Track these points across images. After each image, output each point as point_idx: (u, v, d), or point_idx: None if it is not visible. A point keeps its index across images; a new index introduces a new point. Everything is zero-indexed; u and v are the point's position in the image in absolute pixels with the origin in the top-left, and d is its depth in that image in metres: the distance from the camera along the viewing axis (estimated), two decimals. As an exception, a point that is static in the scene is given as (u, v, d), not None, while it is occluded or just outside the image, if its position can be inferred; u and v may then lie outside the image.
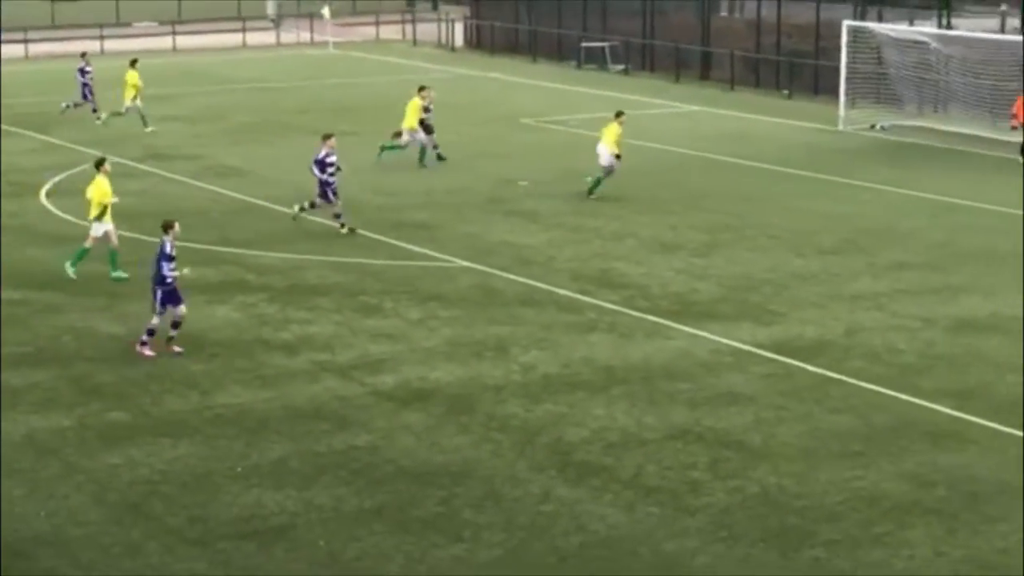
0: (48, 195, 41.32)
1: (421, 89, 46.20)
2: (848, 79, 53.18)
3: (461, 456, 22.51)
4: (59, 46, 77.53)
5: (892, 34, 54.25)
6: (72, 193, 41.59)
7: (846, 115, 52.71)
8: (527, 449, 22.78)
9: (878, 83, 53.92)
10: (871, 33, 54.34)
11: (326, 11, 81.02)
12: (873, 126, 52.27)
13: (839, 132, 51.86)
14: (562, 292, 31.47)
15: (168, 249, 27.01)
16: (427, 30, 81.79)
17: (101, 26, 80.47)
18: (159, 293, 27.00)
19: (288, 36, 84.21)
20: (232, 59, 75.26)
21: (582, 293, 31.39)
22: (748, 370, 26.41)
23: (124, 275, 31.87)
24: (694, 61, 66.12)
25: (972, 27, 58.96)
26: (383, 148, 45.25)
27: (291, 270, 33.12)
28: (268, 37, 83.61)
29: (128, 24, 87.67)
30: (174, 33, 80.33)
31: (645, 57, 68.54)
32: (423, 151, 45.28)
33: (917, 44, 53.69)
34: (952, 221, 38.11)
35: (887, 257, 34.33)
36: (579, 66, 69.56)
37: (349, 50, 78.53)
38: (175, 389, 25.48)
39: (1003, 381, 25.72)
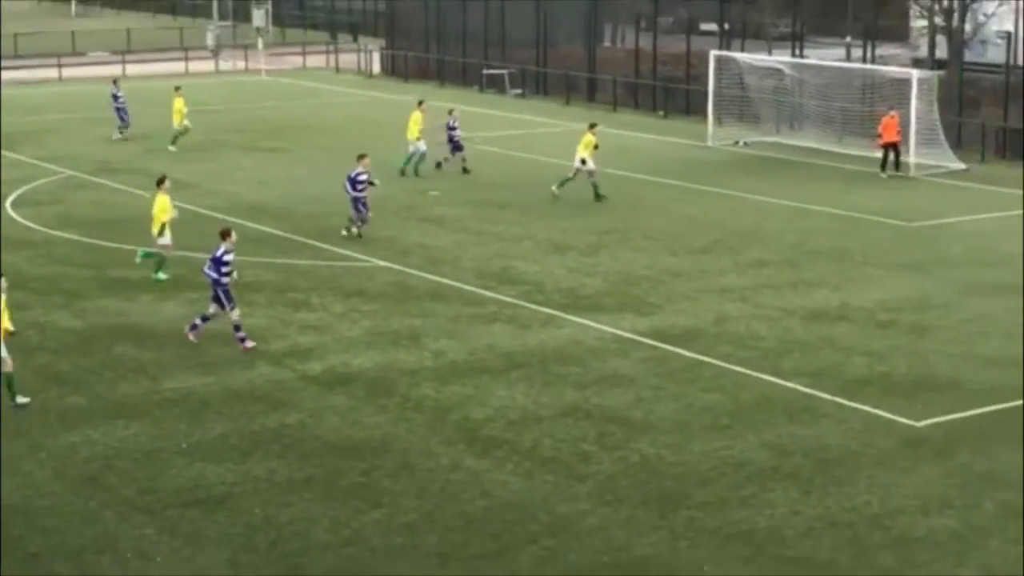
0: (13, 205, 40.72)
1: (420, 103, 46.10)
2: (715, 101, 53.37)
3: (380, 432, 22.42)
4: (23, 73, 76.78)
5: (753, 62, 54.54)
6: (33, 203, 41.14)
7: (714, 132, 52.92)
8: (438, 426, 22.73)
9: (741, 105, 54.25)
10: (735, 61, 54.59)
11: (260, 43, 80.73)
12: (737, 142, 52.53)
13: (708, 147, 52.08)
14: (468, 288, 31.41)
15: (219, 254, 26.53)
16: (348, 59, 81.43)
17: (59, 55, 79.56)
18: (219, 291, 26.59)
19: (225, 64, 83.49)
20: (176, 85, 74.42)
21: (485, 289, 31.34)
22: (630, 355, 26.46)
23: (166, 277, 31.73)
24: (582, 86, 66.18)
25: (821, 56, 59.44)
26: (405, 165, 45.15)
27: (229, 270, 32.83)
28: (208, 65, 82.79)
29: (83, 54, 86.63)
30: (124, 62, 79.35)
31: (539, 83, 68.57)
32: (421, 158, 45.10)
33: (774, 71, 54.13)
34: (806, 224, 38.37)
35: (750, 255, 34.52)
36: (481, 90, 69.45)
37: (279, 77, 77.96)
38: (127, 376, 25.22)
39: (850, 363, 25.93)
